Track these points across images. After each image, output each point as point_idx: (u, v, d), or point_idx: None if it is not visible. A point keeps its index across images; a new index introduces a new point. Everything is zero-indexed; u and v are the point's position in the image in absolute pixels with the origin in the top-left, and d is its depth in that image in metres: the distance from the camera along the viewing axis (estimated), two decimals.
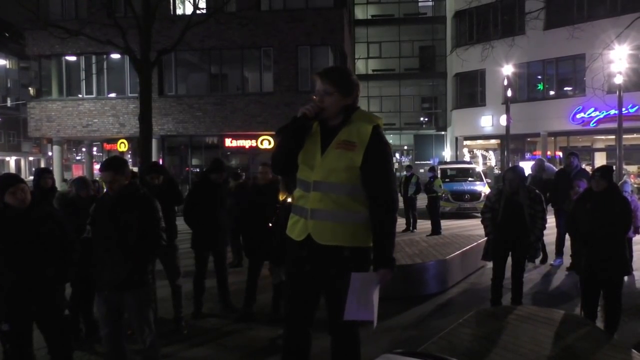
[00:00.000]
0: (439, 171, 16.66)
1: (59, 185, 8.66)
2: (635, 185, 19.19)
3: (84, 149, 28.65)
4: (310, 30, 20.21)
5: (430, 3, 38.49)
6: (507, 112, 21.38)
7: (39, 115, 21.85)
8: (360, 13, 37.49)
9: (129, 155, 22.05)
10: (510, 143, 22.78)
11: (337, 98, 2.79)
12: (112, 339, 3.81)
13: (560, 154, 24.19)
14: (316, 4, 20.50)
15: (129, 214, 3.70)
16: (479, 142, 29.50)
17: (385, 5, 38.20)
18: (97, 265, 3.79)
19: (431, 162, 30.31)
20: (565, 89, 24.74)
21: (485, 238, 6.06)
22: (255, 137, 20.89)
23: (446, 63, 31.61)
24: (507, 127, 21.46)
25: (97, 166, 23.77)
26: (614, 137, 19.87)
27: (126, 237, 3.67)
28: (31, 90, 23.27)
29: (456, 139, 29.24)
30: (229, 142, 21.36)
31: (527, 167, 10.09)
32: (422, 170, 25.56)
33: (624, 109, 17.87)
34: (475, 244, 8.18)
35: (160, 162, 19.86)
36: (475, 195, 16.45)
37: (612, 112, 20.06)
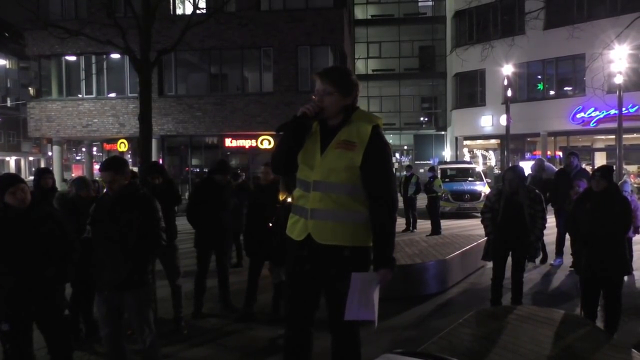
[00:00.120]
0: (439, 171, 16.66)
1: (59, 185, 8.65)
2: (635, 185, 19.21)
3: (83, 149, 28.66)
4: (310, 30, 20.21)
5: (430, 3, 38.49)
6: (507, 112, 21.38)
7: (38, 115, 21.85)
8: (360, 13, 37.49)
9: (128, 155, 22.05)
10: (510, 143, 22.78)
11: (337, 98, 2.80)
12: (112, 339, 3.81)
13: (560, 153, 24.20)
14: (316, 4, 20.50)
15: (129, 214, 3.70)
16: (479, 142, 29.51)
17: (385, 5, 38.21)
18: (97, 265, 3.79)
19: (431, 162, 30.31)
20: (565, 88, 24.75)
21: (485, 238, 6.06)
22: (255, 137, 20.89)
23: (446, 63, 31.61)
24: (507, 127, 21.46)
25: (97, 166, 23.79)
26: (614, 136, 19.87)
27: (126, 237, 3.67)
28: (31, 90, 23.28)
29: (456, 138, 29.24)
30: (228, 142, 21.36)
31: (527, 167, 10.09)
32: (422, 170, 25.56)
33: (624, 109, 17.88)
34: (475, 244, 8.18)
35: (160, 162, 19.86)
36: (475, 195, 16.45)
37: (612, 111, 20.06)
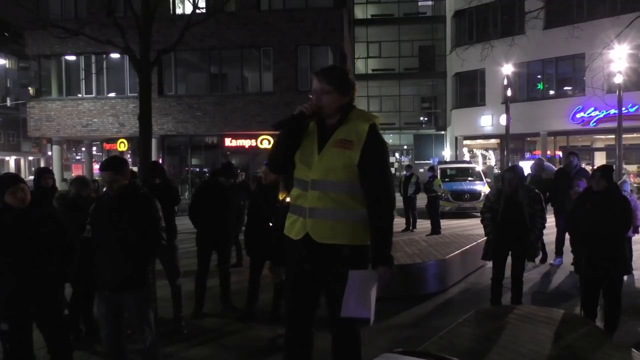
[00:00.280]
0: (438, 171, 16.66)
1: (59, 185, 8.64)
2: (635, 185, 19.21)
3: (83, 149, 28.64)
4: (310, 30, 20.21)
5: (430, 3, 38.49)
6: (507, 111, 21.39)
7: (38, 115, 21.84)
8: (360, 13, 37.49)
9: (128, 155, 22.05)
10: (510, 143, 22.79)
11: (334, 97, 2.81)
12: (112, 339, 3.81)
13: (560, 153, 24.21)
14: (316, 3, 20.50)
15: (129, 213, 3.70)
16: (479, 141, 29.52)
17: (385, 5, 38.21)
18: (97, 265, 3.79)
19: (431, 161, 30.30)
20: (565, 88, 24.75)
21: (485, 238, 6.06)
22: (255, 137, 20.89)
23: (446, 63, 31.62)
24: (507, 127, 21.47)
25: (96, 166, 23.79)
26: (613, 136, 19.87)
27: (126, 237, 3.67)
28: (31, 90, 23.25)
29: (456, 138, 29.25)
30: (228, 142, 21.36)
31: (526, 166, 10.09)
32: (421, 170, 25.56)
33: (623, 109, 17.89)
34: (474, 243, 8.18)
35: (160, 161, 19.86)
36: (475, 195, 16.46)
37: (612, 111, 20.06)
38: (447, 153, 33.52)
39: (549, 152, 24.76)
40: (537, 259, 8.24)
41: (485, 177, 19.26)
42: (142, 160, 11.97)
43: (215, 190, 5.98)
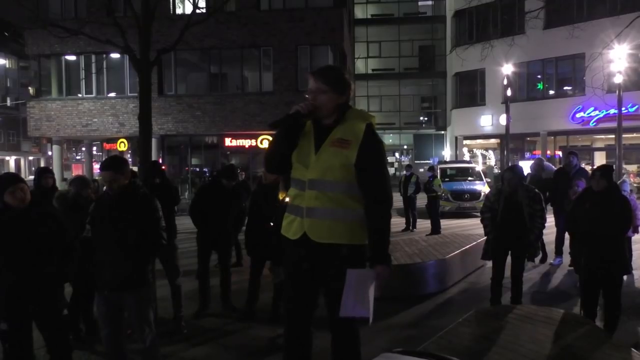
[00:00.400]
0: (438, 171, 16.66)
1: (59, 184, 8.63)
2: (635, 185, 19.21)
3: (83, 149, 28.66)
4: (310, 29, 20.21)
5: (430, 2, 38.51)
6: (507, 111, 21.39)
7: (38, 114, 21.84)
8: (360, 12, 37.50)
9: (128, 155, 22.06)
10: (510, 142, 22.79)
11: (331, 96, 2.82)
12: (112, 339, 3.81)
13: (559, 153, 24.22)
14: (316, 3, 20.50)
15: (129, 213, 3.70)
16: (479, 141, 29.52)
17: (385, 4, 38.23)
18: (97, 265, 3.79)
19: (431, 161, 30.31)
20: (565, 88, 24.75)
21: (485, 237, 6.07)
22: (255, 137, 20.89)
23: (446, 62, 31.64)
24: (507, 127, 21.46)
25: (96, 166, 23.80)
26: (613, 136, 19.87)
27: (126, 237, 3.67)
28: (31, 90, 23.27)
29: (456, 138, 29.25)
30: (228, 142, 21.36)
31: (526, 166, 10.10)
32: (421, 170, 25.58)
33: (623, 109, 17.89)
34: (474, 243, 8.18)
35: (160, 161, 19.86)
36: (475, 195, 16.45)
37: (612, 111, 20.06)
38: (447, 153, 33.53)
39: (548, 152, 24.77)
40: (537, 259, 8.25)
41: (485, 177, 19.26)
42: (142, 160, 11.97)
43: (217, 191, 6.00)
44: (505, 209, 5.71)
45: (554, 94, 24.93)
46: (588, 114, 22.45)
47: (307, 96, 2.87)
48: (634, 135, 23.20)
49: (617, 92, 17.18)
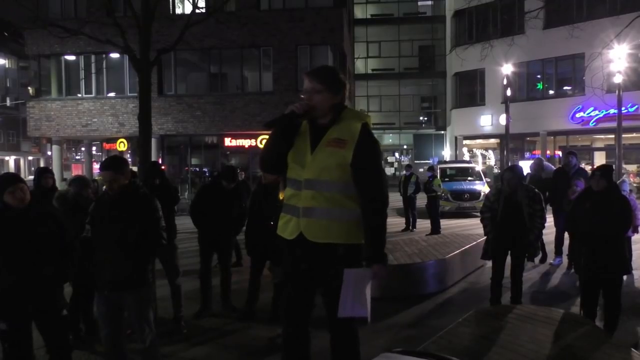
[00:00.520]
0: (438, 170, 16.66)
1: (58, 184, 8.62)
2: (635, 185, 19.21)
3: (83, 149, 28.66)
4: (310, 29, 20.21)
5: (429, 2, 38.54)
6: (507, 111, 21.40)
7: (38, 114, 21.84)
8: (359, 12, 37.50)
9: (128, 155, 22.06)
10: (510, 142, 22.80)
11: (326, 96, 2.83)
12: (112, 339, 3.81)
13: (559, 153, 24.23)
14: (316, 3, 20.51)
15: (129, 213, 3.70)
16: (479, 141, 29.53)
17: (385, 4, 38.25)
18: (97, 265, 3.79)
19: (431, 161, 30.32)
20: (565, 88, 24.77)
21: (485, 237, 6.07)
22: (255, 137, 20.88)
23: (445, 62, 31.65)
24: (507, 127, 21.47)
25: (96, 166, 23.79)
26: (613, 136, 19.89)
27: (126, 237, 3.67)
28: (30, 90, 23.26)
29: (455, 138, 29.26)
30: (228, 142, 21.36)
31: (526, 166, 10.10)
32: (421, 170, 25.59)
33: (623, 108, 17.90)
34: (474, 243, 8.18)
35: (160, 161, 19.87)
36: (475, 195, 16.45)
37: (612, 111, 20.08)
38: (446, 153, 33.55)
39: (548, 152, 24.78)
40: (537, 259, 8.25)
41: (485, 177, 19.28)
42: (142, 160, 11.98)
43: (217, 192, 6.01)
44: (505, 209, 5.72)
45: (554, 93, 24.94)
46: (588, 113, 22.46)
47: (302, 96, 2.87)
48: (634, 135, 23.21)
49: (616, 92, 17.19)
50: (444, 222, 13.73)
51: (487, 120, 26.58)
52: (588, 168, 14.50)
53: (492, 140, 28.52)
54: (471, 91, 28.39)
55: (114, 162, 3.79)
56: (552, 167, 10.55)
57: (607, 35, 15.28)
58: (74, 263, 3.86)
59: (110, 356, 3.88)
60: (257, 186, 6.15)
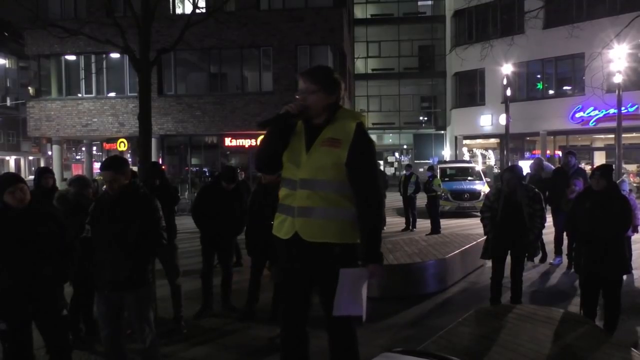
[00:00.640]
0: (438, 170, 16.66)
1: (59, 184, 8.62)
2: (635, 184, 19.22)
3: (83, 149, 28.66)
4: (310, 29, 20.21)
5: (429, 2, 38.55)
6: (507, 111, 21.40)
7: (38, 114, 21.84)
8: (359, 12, 37.50)
9: (128, 155, 22.06)
10: (510, 142, 22.80)
11: (320, 96, 2.84)
12: (112, 339, 3.81)
13: (559, 153, 24.23)
14: (316, 3, 20.50)
15: (129, 213, 3.70)
16: (479, 141, 29.53)
17: (385, 4, 38.25)
18: (97, 265, 3.79)
19: (430, 161, 30.32)
20: (565, 88, 24.77)
21: (485, 237, 6.07)
22: (255, 137, 20.86)
23: (445, 62, 31.64)
24: (507, 126, 21.47)
25: (96, 165, 23.78)
26: (613, 136, 19.89)
27: (126, 237, 3.67)
28: (30, 90, 23.25)
29: (455, 138, 29.26)
30: (228, 142, 21.35)
31: (525, 166, 10.11)
32: (421, 170, 25.59)
33: (623, 108, 17.90)
34: (474, 243, 8.18)
35: (160, 161, 19.87)
36: (475, 195, 16.45)
37: (612, 111, 20.08)
38: (446, 152, 33.55)
39: (548, 152, 24.78)
40: (537, 259, 8.27)
41: (485, 177, 19.28)
42: (142, 160, 11.98)
43: (218, 193, 6.01)
44: (505, 209, 5.72)
45: (554, 93, 24.95)
46: (588, 113, 22.46)
47: (297, 96, 2.88)
48: (634, 135, 23.21)
49: (616, 91, 17.19)
50: (444, 222, 13.73)
51: (487, 120, 26.59)
52: (588, 168, 14.51)
53: (492, 140, 28.53)
54: (471, 91, 28.40)
55: (114, 162, 3.79)
56: (552, 167, 10.55)
57: (607, 35, 15.28)
58: (74, 263, 3.86)
59: (110, 356, 3.88)
60: (257, 186, 6.14)
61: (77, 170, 39.35)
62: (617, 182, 7.56)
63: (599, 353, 3.49)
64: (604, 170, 5.03)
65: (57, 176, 11.98)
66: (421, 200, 13.88)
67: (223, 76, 21.84)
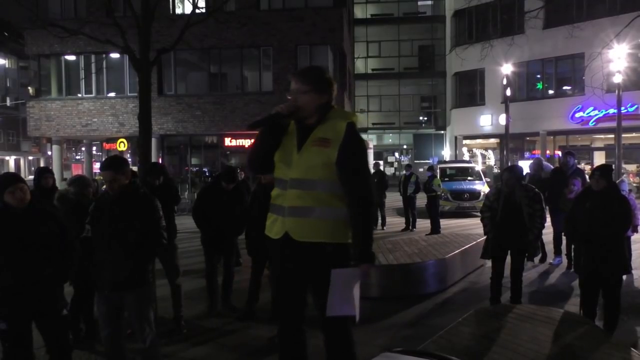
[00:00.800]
0: (438, 170, 16.66)
1: (59, 184, 8.63)
2: (635, 184, 19.23)
3: (83, 149, 28.66)
4: (310, 29, 20.21)
5: (429, 2, 38.55)
6: (507, 111, 21.40)
7: (38, 114, 21.83)
8: (359, 12, 37.51)
9: (128, 155, 22.06)
10: (510, 142, 22.80)
11: (311, 97, 2.84)
12: (113, 339, 3.82)
13: (559, 153, 24.24)
14: (315, 3, 20.50)
15: (130, 213, 3.70)
16: (478, 141, 29.53)
17: (385, 4, 38.26)
18: (97, 265, 3.79)
19: (430, 161, 30.32)
20: (565, 88, 24.77)
21: (485, 237, 6.07)
22: (255, 137, 20.81)
23: (445, 62, 31.64)
24: (507, 126, 21.47)
25: (96, 165, 23.78)
26: (613, 136, 19.90)
27: (126, 237, 3.67)
28: (30, 90, 23.26)
29: (455, 138, 29.27)
30: (228, 142, 21.35)
31: (525, 166, 10.11)
32: (421, 170, 25.60)
33: (623, 108, 17.91)
34: (474, 242, 8.18)
35: (160, 161, 19.87)
36: (475, 195, 16.45)
37: (611, 111, 20.08)
38: (446, 152, 33.56)
39: (548, 152, 24.78)
40: (537, 259, 8.27)
41: (485, 177, 19.28)
42: (142, 160, 11.98)
43: (218, 193, 6.02)
44: (505, 209, 5.72)
45: (554, 93, 24.95)
46: (587, 113, 22.46)
47: (289, 97, 2.89)
48: (634, 134, 23.22)
49: (616, 91, 17.19)
50: (444, 222, 13.74)
51: (487, 120, 26.59)
52: (588, 168, 14.52)
53: (492, 140, 28.53)
54: (471, 91, 28.40)
55: (114, 162, 3.79)
56: (551, 167, 10.56)
57: (606, 35, 15.28)
58: (74, 263, 3.86)
59: (111, 356, 3.89)
60: (257, 186, 6.15)
61: (77, 170, 39.32)
62: (617, 182, 7.57)
63: (598, 353, 3.50)
64: (604, 170, 5.03)
65: (57, 176, 12.00)
66: (421, 200, 13.89)
67: (223, 76, 21.84)
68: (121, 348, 3.86)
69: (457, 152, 28.71)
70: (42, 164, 43.75)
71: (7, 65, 55.56)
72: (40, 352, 4.09)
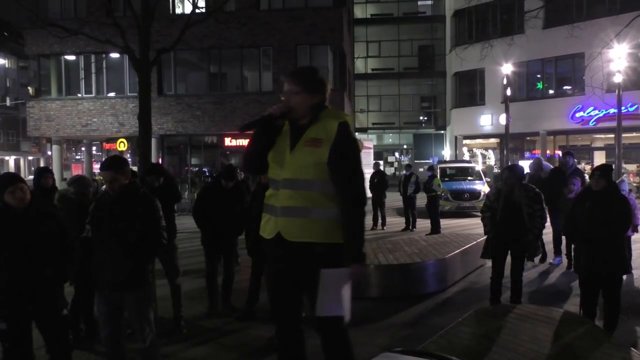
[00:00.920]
0: (438, 170, 16.67)
1: (58, 184, 8.63)
2: (635, 184, 19.23)
3: (83, 149, 28.68)
4: (310, 29, 20.21)
5: (429, 2, 38.54)
6: (507, 111, 21.40)
7: (38, 114, 21.83)
8: (359, 12, 37.50)
9: (128, 155, 22.05)
10: (510, 142, 22.80)
11: (304, 97, 2.85)
12: (113, 339, 3.82)
13: (559, 152, 24.24)
14: (315, 3, 20.50)
15: (130, 213, 3.70)
16: (478, 141, 29.53)
17: (385, 4, 38.26)
18: (97, 265, 3.79)
19: (430, 161, 30.33)
20: (565, 87, 24.77)
21: (485, 237, 6.07)
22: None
23: (445, 62, 31.66)
24: (507, 126, 21.48)
25: (96, 165, 23.77)
26: (613, 135, 19.90)
27: (126, 237, 3.67)
28: (30, 90, 23.25)
29: (455, 138, 29.27)
30: (228, 142, 21.35)
31: (525, 166, 10.10)
32: (421, 170, 25.60)
33: (623, 108, 17.91)
34: (474, 242, 8.18)
35: (160, 161, 19.88)
36: (475, 194, 16.45)
37: (612, 110, 20.08)
38: (446, 152, 33.56)
39: (548, 152, 24.79)
40: (537, 259, 8.26)
41: (485, 177, 19.28)
42: (142, 160, 11.99)
43: (218, 193, 6.01)
44: (505, 209, 5.72)
45: (554, 93, 24.95)
46: (588, 113, 22.46)
47: (282, 98, 2.90)
48: (634, 134, 23.22)
49: (616, 91, 17.20)
50: (444, 222, 13.74)
51: (487, 119, 26.59)
52: (588, 168, 14.52)
53: (492, 140, 28.53)
54: (471, 91, 28.40)
55: (114, 162, 3.79)
56: (551, 166, 10.56)
57: (606, 35, 15.28)
58: (74, 263, 3.86)
59: (111, 356, 3.89)
60: (257, 186, 6.14)
61: (77, 170, 39.30)
62: (617, 182, 7.57)
63: (598, 353, 3.49)
64: (604, 170, 5.03)
65: (57, 176, 12.01)
66: (421, 200, 13.89)
67: (223, 76, 21.84)
68: (121, 348, 3.86)
69: (457, 152, 28.71)
70: (42, 164, 43.74)
71: (7, 65, 55.55)
72: (40, 352, 4.09)
